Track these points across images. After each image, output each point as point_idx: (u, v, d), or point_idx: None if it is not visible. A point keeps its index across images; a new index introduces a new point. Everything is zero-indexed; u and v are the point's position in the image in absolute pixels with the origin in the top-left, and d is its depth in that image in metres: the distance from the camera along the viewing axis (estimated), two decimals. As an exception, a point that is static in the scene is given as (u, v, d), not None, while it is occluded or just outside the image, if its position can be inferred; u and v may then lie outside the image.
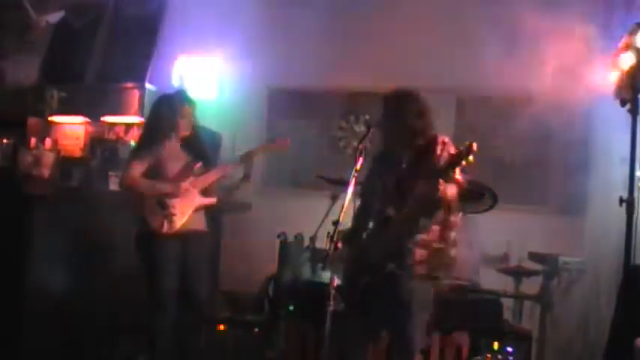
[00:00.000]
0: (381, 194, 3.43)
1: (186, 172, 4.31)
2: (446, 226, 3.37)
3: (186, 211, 4.26)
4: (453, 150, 3.17)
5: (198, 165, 4.36)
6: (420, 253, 3.34)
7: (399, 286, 3.31)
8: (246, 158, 4.45)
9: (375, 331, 3.56)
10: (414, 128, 3.37)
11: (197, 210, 4.33)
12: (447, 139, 3.29)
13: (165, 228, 4.18)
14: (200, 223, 4.36)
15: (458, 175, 3.10)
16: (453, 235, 3.42)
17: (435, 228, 3.36)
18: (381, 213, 3.39)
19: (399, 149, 3.45)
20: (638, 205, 4.13)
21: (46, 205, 4.47)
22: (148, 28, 6.32)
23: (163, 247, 4.18)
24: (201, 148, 4.43)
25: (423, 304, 3.36)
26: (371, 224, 3.49)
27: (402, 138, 3.42)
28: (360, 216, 3.62)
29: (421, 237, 3.34)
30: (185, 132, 4.34)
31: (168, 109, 4.32)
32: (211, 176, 4.38)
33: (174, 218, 4.21)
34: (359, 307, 3.40)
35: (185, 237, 4.24)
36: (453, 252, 3.47)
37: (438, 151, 3.22)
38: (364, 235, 3.50)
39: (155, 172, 4.25)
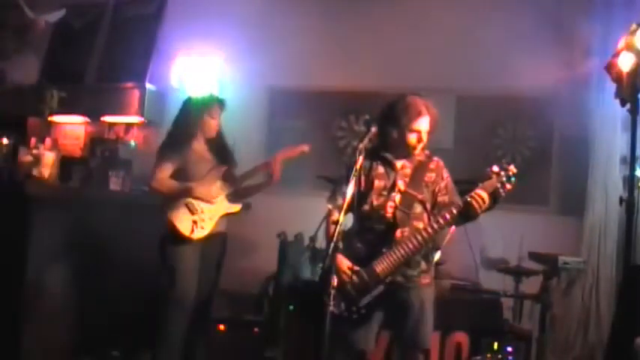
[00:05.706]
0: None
1: (213, 175, 4.27)
2: None
3: (214, 217, 4.24)
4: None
5: (225, 168, 4.32)
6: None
7: (406, 294, 3.35)
8: (264, 168, 4.41)
9: (378, 334, 3.56)
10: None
11: (224, 216, 4.32)
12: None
13: (194, 233, 4.16)
14: (222, 226, 4.34)
15: None
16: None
17: None
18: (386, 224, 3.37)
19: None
20: (638, 205, 4.13)
21: (46, 205, 4.46)
22: (148, 28, 6.32)
23: (189, 251, 4.16)
24: (226, 150, 4.39)
25: (429, 304, 3.41)
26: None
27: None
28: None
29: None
30: (212, 134, 4.31)
31: (196, 110, 4.27)
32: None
33: (204, 224, 4.18)
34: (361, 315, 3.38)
35: (207, 239, 4.23)
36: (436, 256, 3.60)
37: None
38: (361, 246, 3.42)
39: (182, 175, 4.20)
